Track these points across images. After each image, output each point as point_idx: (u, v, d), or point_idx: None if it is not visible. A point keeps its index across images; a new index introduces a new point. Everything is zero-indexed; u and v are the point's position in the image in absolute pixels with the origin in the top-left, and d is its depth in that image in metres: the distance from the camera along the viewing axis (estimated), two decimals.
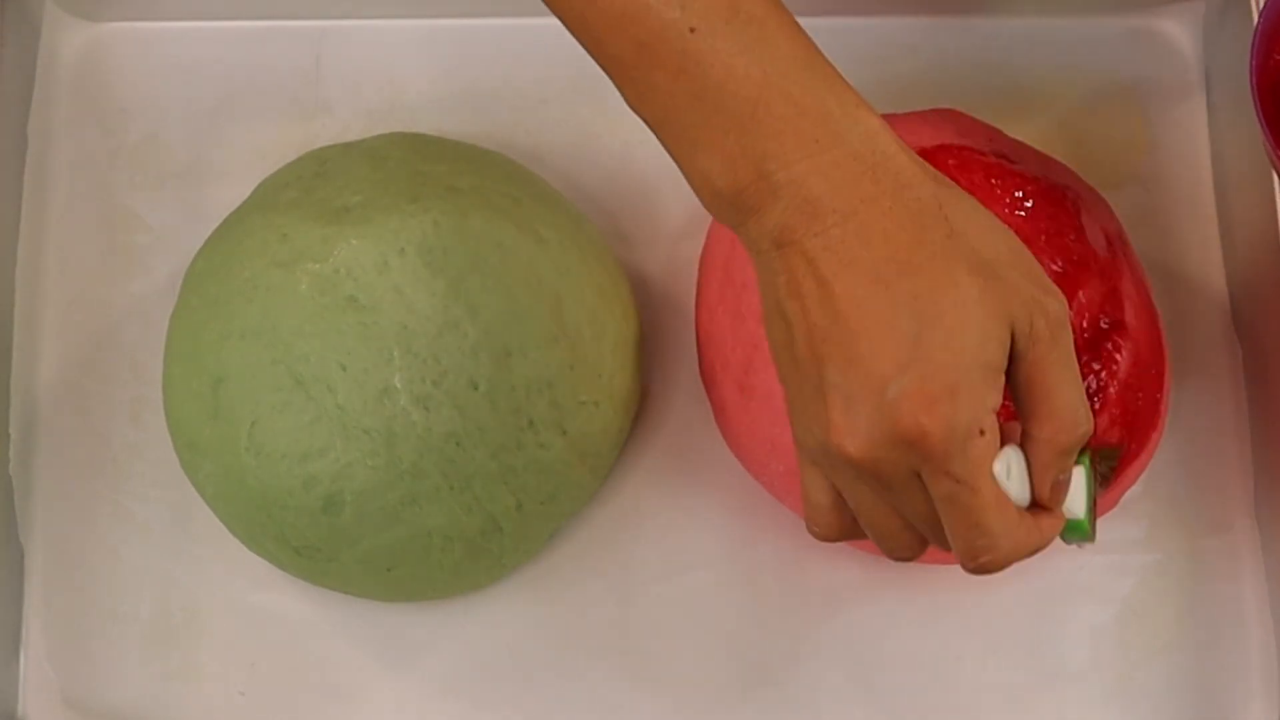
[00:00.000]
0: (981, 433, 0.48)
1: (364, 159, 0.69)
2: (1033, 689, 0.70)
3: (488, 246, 0.65)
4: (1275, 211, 0.67)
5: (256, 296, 0.65)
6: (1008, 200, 0.65)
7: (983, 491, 0.49)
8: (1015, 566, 0.71)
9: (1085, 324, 0.64)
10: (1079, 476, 0.54)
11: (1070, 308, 0.64)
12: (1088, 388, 0.64)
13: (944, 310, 0.47)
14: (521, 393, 0.64)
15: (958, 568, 0.70)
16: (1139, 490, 0.71)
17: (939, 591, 0.71)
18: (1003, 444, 0.51)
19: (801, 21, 0.78)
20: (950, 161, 0.66)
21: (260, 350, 0.64)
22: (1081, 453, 0.54)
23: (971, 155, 0.66)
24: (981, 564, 0.50)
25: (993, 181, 0.66)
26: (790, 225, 0.48)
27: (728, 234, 0.69)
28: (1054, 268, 0.64)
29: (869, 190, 0.48)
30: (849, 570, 0.71)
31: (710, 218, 0.72)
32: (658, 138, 0.51)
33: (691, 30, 0.48)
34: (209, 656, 0.71)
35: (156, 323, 0.73)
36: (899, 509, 0.51)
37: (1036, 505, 0.52)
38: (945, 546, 0.52)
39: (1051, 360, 0.49)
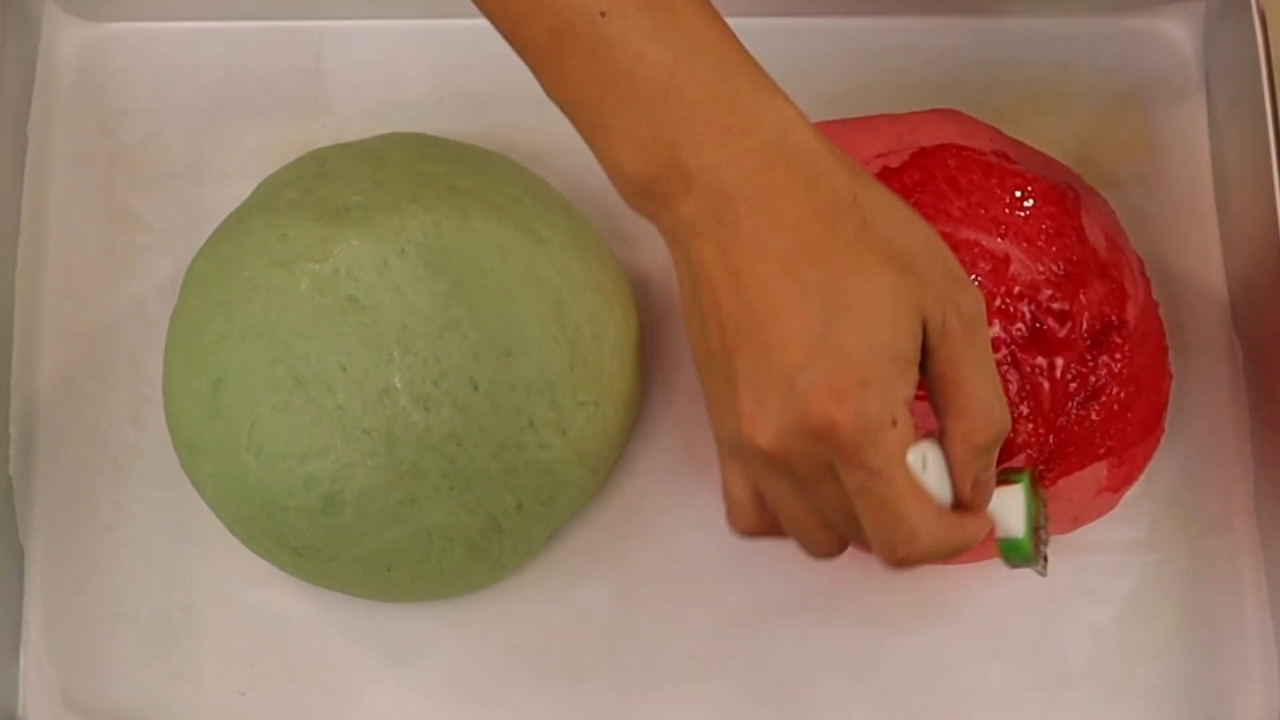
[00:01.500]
0: (894, 423, 0.48)
1: (364, 159, 0.69)
2: (1033, 689, 0.70)
3: (488, 247, 0.65)
4: (1275, 211, 0.67)
5: (256, 296, 0.65)
6: (1008, 200, 0.65)
7: (897, 482, 0.48)
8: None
9: (1086, 323, 0.64)
10: (1017, 496, 0.54)
11: (1071, 307, 0.64)
12: (1089, 386, 0.64)
13: (854, 300, 0.47)
14: (522, 393, 0.64)
15: (958, 568, 0.70)
16: (1139, 490, 0.71)
17: (939, 592, 0.71)
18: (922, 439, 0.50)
19: (803, 21, 0.79)
20: (950, 161, 0.66)
21: (260, 350, 0.64)
22: (1019, 474, 0.54)
23: (971, 155, 0.66)
24: (901, 558, 0.50)
25: (993, 181, 0.66)
26: (703, 214, 0.48)
27: None
28: (1055, 267, 0.64)
29: (782, 180, 0.48)
30: (849, 570, 0.71)
31: None
32: (573, 124, 0.51)
33: (602, 14, 0.48)
34: (209, 656, 0.71)
35: (156, 323, 0.73)
36: (815, 505, 0.50)
37: (962, 507, 0.51)
38: (864, 545, 0.51)
39: (965, 356, 0.49)
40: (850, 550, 0.70)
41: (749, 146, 0.48)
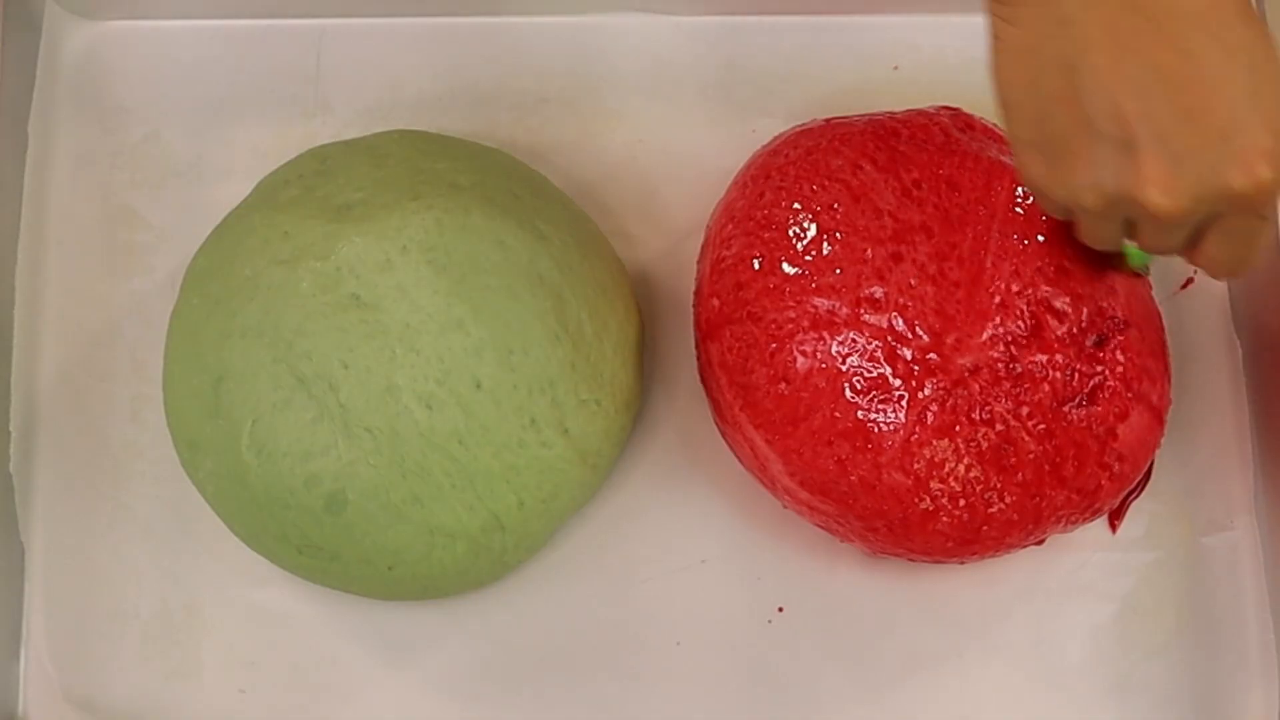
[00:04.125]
0: None
1: (365, 156, 0.69)
2: (1033, 688, 0.70)
3: (490, 244, 0.65)
4: (1275, 211, 0.67)
5: (258, 294, 0.65)
6: (1007, 198, 0.65)
7: (1271, 220, 0.50)
8: (1015, 564, 0.71)
9: (1086, 323, 0.64)
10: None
11: (1071, 306, 0.64)
12: (1089, 385, 0.64)
13: (1271, 64, 0.46)
14: (524, 391, 0.64)
15: (958, 568, 0.70)
16: None
17: (939, 591, 0.71)
18: None
19: (804, 19, 0.79)
20: (950, 160, 0.66)
21: (261, 348, 0.64)
22: None
23: (972, 154, 0.66)
24: (1242, 273, 0.52)
25: (993, 179, 0.66)
26: None
27: (727, 233, 0.68)
28: (1054, 266, 0.64)
29: None
30: (849, 570, 0.71)
31: (709, 217, 0.72)
32: None
33: None
34: (209, 655, 0.71)
35: (157, 321, 0.73)
36: (1149, 241, 0.51)
37: None
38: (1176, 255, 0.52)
39: None
40: (849, 550, 0.70)
41: None
